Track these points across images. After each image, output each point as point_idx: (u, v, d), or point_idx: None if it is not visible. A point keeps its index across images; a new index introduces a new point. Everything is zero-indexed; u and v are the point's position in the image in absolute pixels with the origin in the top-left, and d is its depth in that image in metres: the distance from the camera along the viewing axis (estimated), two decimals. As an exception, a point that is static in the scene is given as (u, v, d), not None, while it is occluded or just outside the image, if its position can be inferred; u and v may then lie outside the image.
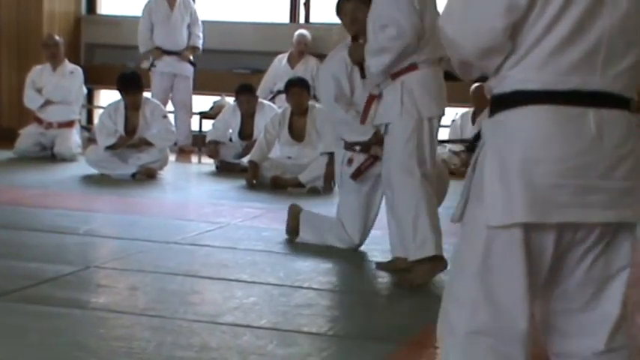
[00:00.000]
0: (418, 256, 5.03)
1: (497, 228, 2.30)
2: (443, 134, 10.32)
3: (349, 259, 5.77)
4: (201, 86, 11.36)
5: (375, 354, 4.01)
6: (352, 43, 5.58)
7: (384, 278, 5.35)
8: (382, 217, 5.63)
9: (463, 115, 10.01)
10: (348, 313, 4.76)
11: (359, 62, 5.50)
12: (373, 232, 6.41)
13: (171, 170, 9.32)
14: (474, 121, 9.84)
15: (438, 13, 5.10)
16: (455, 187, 8.86)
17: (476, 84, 10.00)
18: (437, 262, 5.05)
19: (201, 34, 10.96)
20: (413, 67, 5.09)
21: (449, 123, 10.18)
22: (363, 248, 5.90)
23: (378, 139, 5.45)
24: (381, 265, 5.40)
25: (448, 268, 5.06)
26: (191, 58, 10.91)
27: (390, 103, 5.12)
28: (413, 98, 5.06)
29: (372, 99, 5.31)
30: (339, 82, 5.77)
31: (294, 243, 6.05)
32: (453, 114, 10.29)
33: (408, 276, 5.08)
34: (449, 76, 11.61)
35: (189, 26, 10.95)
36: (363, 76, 5.41)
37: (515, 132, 2.32)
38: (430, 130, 5.14)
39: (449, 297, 2.45)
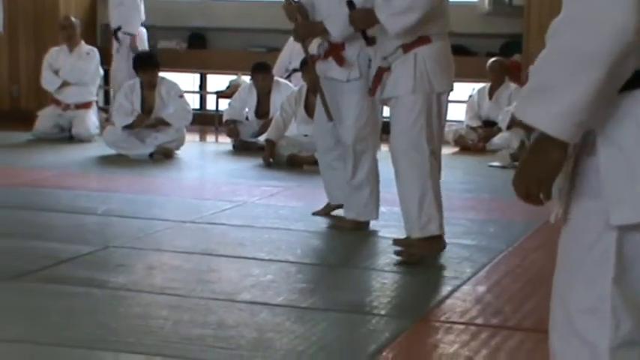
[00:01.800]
0: (422, 235, 5.04)
1: (627, 227, 2.01)
2: (460, 109, 10.34)
3: (364, 235, 5.78)
4: (217, 65, 11.37)
5: (391, 331, 4.03)
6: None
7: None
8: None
9: (480, 91, 9.98)
10: (363, 290, 4.75)
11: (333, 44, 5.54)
12: (391, 209, 6.43)
13: (188, 149, 9.32)
14: (491, 96, 9.82)
15: None
16: (470, 163, 8.89)
17: (492, 59, 9.99)
18: (438, 241, 5.10)
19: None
20: (426, 39, 5.00)
21: (466, 98, 10.16)
22: (379, 224, 5.89)
23: None
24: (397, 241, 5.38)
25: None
26: None
27: (400, 76, 5.01)
28: (425, 72, 4.99)
29: (382, 72, 5.14)
30: None
31: (311, 220, 6.06)
32: (469, 89, 10.27)
33: (409, 250, 5.09)
34: (464, 51, 11.70)
35: None
36: (368, 43, 5.21)
37: None
38: (439, 106, 5.10)
39: (569, 309, 2.11)
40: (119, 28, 10.75)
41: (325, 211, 6.17)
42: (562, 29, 1.93)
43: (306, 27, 5.72)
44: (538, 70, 2.04)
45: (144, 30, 10.94)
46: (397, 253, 5.10)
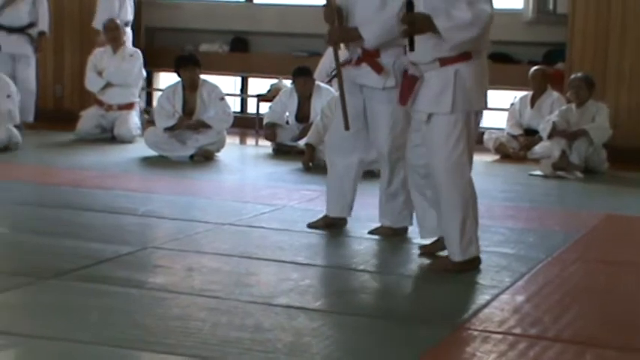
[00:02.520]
0: (463, 258, 5.01)
1: None
2: (501, 117, 10.29)
3: (400, 242, 5.75)
4: (259, 69, 11.40)
5: (427, 339, 4.01)
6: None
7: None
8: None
9: (522, 99, 9.93)
10: (399, 297, 4.75)
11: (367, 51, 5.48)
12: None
13: (228, 152, 9.34)
14: (532, 105, 9.77)
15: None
16: (511, 171, 8.83)
17: (535, 67, 9.94)
18: (475, 261, 5.08)
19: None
20: (467, 55, 4.89)
21: (507, 106, 10.12)
22: (414, 230, 5.87)
23: None
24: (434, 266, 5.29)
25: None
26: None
27: (438, 92, 4.89)
28: (465, 90, 4.89)
29: (414, 80, 4.96)
30: None
31: (349, 226, 6.04)
32: (511, 97, 10.22)
33: (443, 262, 5.10)
34: (507, 58, 11.63)
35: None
36: (412, 49, 4.87)
37: None
38: (476, 124, 5.06)
39: None
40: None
41: (326, 222, 6.01)
42: None
43: (341, 31, 5.65)
44: None
45: (129, 30, 10.93)
46: (430, 268, 5.13)
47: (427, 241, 5.44)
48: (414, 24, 4.73)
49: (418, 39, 4.85)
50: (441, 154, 4.95)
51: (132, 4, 10.96)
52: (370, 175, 8.06)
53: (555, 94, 9.68)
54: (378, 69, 5.55)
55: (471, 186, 5.04)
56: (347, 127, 5.65)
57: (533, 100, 9.77)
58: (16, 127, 9.30)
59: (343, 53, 5.88)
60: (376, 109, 5.67)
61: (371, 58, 5.56)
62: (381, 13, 5.44)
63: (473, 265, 5.09)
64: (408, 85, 4.99)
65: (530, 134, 9.63)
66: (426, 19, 4.73)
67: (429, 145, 5.00)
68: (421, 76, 4.95)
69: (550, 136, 8.96)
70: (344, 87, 5.67)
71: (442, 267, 5.08)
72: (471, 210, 5.01)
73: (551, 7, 10.59)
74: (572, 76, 9.22)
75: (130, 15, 10.95)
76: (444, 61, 4.88)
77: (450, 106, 4.88)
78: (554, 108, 9.36)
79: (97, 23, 10.72)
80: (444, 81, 4.89)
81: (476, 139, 5.12)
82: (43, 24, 10.67)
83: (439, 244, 5.26)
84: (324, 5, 5.65)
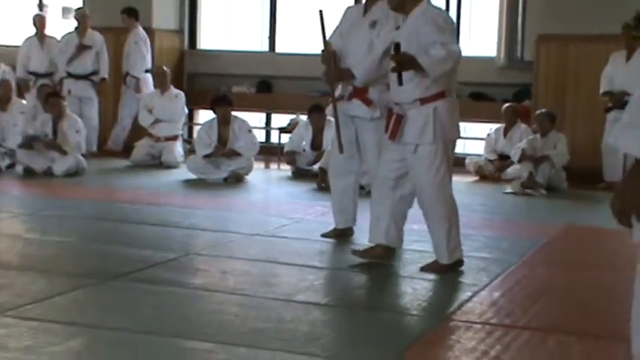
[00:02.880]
0: (450, 261, 5.00)
1: None
2: (479, 145, 10.28)
3: (398, 249, 5.74)
4: (280, 106, 11.43)
5: (420, 328, 4.01)
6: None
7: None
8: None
9: (496, 130, 9.91)
10: (397, 294, 4.73)
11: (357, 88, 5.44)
12: (421, 226, 6.38)
13: (255, 175, 9.35)
14: (505, 135, 9.76)
15: None
16: (487, 189, 8.81)
17: (506, 104, 9.94)
18: (459, 262, 5.06)
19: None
20: (442, 94, 4.89)
21: (484, 136, 10.10)
22: (412, 238, 5.84)
23: None
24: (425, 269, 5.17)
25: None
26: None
27: (421, 126, 4.86)
28: (442, 123, 4.88)
29: (399, 118, 4.92)
30: None
31: (356, 235, 6.01)
32: (487, 129, 10.21)
33: (433, 265, 5.05)
34: (483, 97, 11.62)
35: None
36: (400, 83, 4.76)
37: None
38: (452, 150, 5.06)
39: None
40: (127, 74, 10.82)
41: (336, 233, 5.97)
42: None
43: (336, 72, 5.62)
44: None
45: (149, 75, 10.96)
46: (422, 269, 5.07)
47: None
48: (402, 63, 4.70)
49: (394, 83, 4.85)
50: (427, 177, 4.93)
51: (150, 55, 11.00)
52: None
53: (523, 126, 9.66)
54: (368, 102, 5.55)
55: (452, 201, 5.03)
56: (341, 151, 5.67)
57: (506, 131, 9.76)
58: (83, 155, 9.33)
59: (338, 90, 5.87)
60: (366, 137, 5.66)
61: (361, 93, 5.54)
62: (368, 57, 5.42)
63: (457, 266, 5.08)
64: (396, 123, 4.95)
65: (504, 159, 9.61)
66: (412, 58, 4.70)
67: (417, 170, 4.97)
68: (405, 115, 4.93)
69: (520, 161, 8.95)
70: (339, 118, 5.68)
71: (432, 269, 5.05)
72: (455, 220, 5.01)
73: (519, 55, 10.59)
74: (537, 112, 9.22)
75: (149, 64, 10.98)
76: (423, 101, 4.87)
77: (432, 138, 4.87)
78: (523, 137, 9.35)
79: (130, 68, 10.78)
80: (425, 117, 4.87)
81: (453, 163, 5.09)
82: (104, 72, 10.73)
83: (376, 249, 5.16)
84: (322, 51, 5.64)
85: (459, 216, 5.08)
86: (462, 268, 5.11)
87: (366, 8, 5.55)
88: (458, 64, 4.85)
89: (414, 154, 4.94)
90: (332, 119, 9.34)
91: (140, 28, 10.92)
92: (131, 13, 10.88)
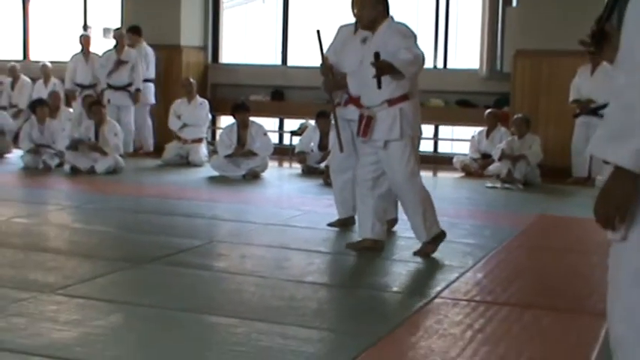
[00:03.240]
0: (429, 237, 5.00)
1: None
2: (465, 146, 10.26)
3: (392, 237, 5.74)
4: (291, 112, 11.42)
5: (413, 305, 4.01)
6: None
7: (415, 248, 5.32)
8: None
9: (480, 132, 9.87)
10: (392, 275, 4.72)
11: (351, 96, 5.35)
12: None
13: (270, 172, 9.35)
14: (487, 137, 9.73)
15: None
16: (472, 184, 8.81)
17: (488, 110, 9.92)
18: (441, 234, 5.06)
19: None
20: (406, 97, 4.88)
21: (469, 138, 10.08)
22: (406, 226, 5.84)
23: None
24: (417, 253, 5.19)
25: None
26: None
27: (390, 125, 4.85)
28: (408, 121, 4.87)
29: (369, 120, 4.90)
30: None
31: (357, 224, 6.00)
32: (472, 131, 10.19)
33: (423, 249, 5.04)
34: (468, 104, 11.59)
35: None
36: (379, 87, 4.71)
37: None
38: (417, 145, 5.08)
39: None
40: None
41: (340, 223, 5.98)
42: (623, 92, 1.85)
43: (334, 82, 5.59)
44: (609, 123, 1.89)
45: (150, 84, 10.89)
46: (415, 253, 5.07)
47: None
48: (383, 68, 4.66)
49: (365, 87, 4.90)
50: (399, 169, 4.91)
51: (153, 66, 10.91)
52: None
53: (503, 129, 9.63)
54: (361, 107, 5.51)
55: (423, 188, 4.99)
56: (341, 150, 5.66)
57: (488, 133, 9.73)
58: (121, 156, 9.35)
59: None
60: (356, 138, 5.62)
61: (356, 100, 5.49)
62: (360, 69, 5.36)
63: (440, 238, 5.05)
64: (367, 124, 4.94)
65: (486, 158, 9.58)
66: (389, 64, 4.66)
67: (389, 164, 4.94)
68: (374, 116, 4.91)
69: (500, 159, 8.93)
70: (338, 122, 5.66)
71: (424, 253, 5.04)
72: (428, 203, 4.98)
73: (499, 67, 10.56)
74: (515, 116, 9.20)
75: (152, 74, 10.92)
76: (390, 102, 4.86)
77: (399, 134, 4.86)
78: (503, 139, 9.32)
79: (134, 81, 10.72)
80: (392, 117, 4.86)
81: (419, 157, 5.05)
82: (138, 83, 10.72)
83: (365, 243, 5.13)
84: (320, 64, 5.62)
85: (433, 199, 5.05)
86: (450, 252, 5.10)
87: (357, 27, 5.51)
88: (423, 63, 4.85)
89: (385, 150, 4.92)
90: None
91: (144, 44, 10.89)
92: (135, 31, 10.87)
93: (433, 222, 5.02)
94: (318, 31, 5.50)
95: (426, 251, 5.04)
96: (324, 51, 5.57)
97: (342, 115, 5.69)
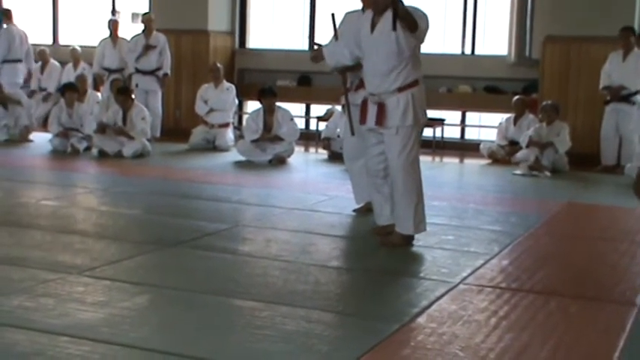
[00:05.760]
0: (415, 232, 4.90)
1: None
2: (492, 132, 10.18)
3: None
4: (318, 98, 11.41)
5: (439, 290, 3.99)
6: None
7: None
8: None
9: (507, 119, 9.79)
10: (419, 261, 4.70)
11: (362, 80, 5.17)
12: (440, 203, 6.36)
13: (296, 157, 9.35)
14: (515, 123, 9.65)
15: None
16: (499, 171, 8.75)
17: (516, 96, 9.83)
18: (412, 238, 4.94)
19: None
20: (416, 82, 4.81)
21: (497, 124, 10.01)
22: (434, 212, 5.82)
23: None
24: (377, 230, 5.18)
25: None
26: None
27: (403, 111, 4.75)
28: (417, 108, 4.80)
29: (383, 107, 4.79)
30: None
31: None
32: (499, 118, 10.11)
33: (391, 241, 4.93)
34: (496, 90, 11.50)
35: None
36: (394, 29, 4.63)
37: None
38: (421, 132, 4.96)
39: None
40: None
41: (366, 208, 5.87)
42: None
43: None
44: None
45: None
46: (381, 242, 4.94)
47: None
48: (400, 11, 4.56)
49: (374, 75, 4.81)
50: (401, 155, 4.81)
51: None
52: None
53: (531, 116, 9.54)
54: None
55: (420, 178, 4.89)
56: (352, 133, 5.57)
57: (515, 120, 9.64)
58: (148, 140, 9.41)
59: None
60: None
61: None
62: (371, 56, 5.16)
63: (410, 240, 4.94)
64: (380, 111, 4.83)
65: (513, 145, 9.50)
66: (407, 9, 4.58)
67: (392, 149, 4.85)
68: (384, 103, 4.82)
69: (527, 146, 8.86)
70: (349, 106, 5.57)
71: (391, 243, 4.92)
72: (421, 196, 4.89)
73: (527, 53, 10.45)
74: (544, 103, 9.11)
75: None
76: (401, 89, 4.78)
77: (412, 120, 4.78)
78: (531, 126, 9.24)
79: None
80: (405, 103, 4.77)
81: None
82: (166, 68, 10.76)
83: (388, 227, 5.07)
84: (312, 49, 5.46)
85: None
86: (476, 238, 5.07)
87: (363, 12, 5.37)
88: (428, 29, 4.72)
89: (396, 135, 4.82)
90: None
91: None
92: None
93: (422, 218, 4.91)
94: (332, 15, 5.46)
95: (393, 242, 4.91)
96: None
97: (353, 100, 5.63)
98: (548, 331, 3.41)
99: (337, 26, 5.48)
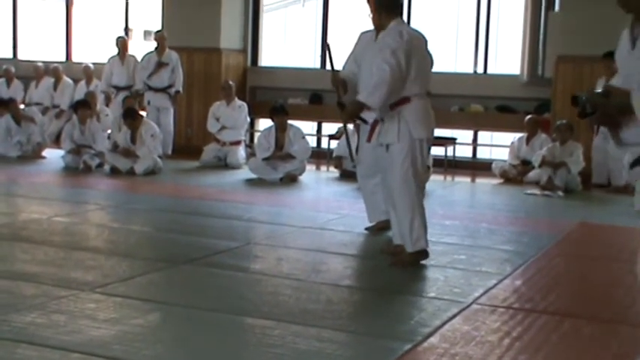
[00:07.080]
0: (413, 249, 4.88)
1: None
2: (504, 152, 10.18)
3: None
4: (330, 116, 11.43)
5: (451, 311, 3.98)
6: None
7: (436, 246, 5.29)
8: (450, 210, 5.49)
9: (519, 138, 9.79)
10: (430, 281, 4.69)
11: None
12: (452, 222, 6.35)
13: (307, 176, 9.36)
14: (527, 143, 9.65)
15: (425, 55, 4.86)
16: (511, 191, 8.73)
17: (529, 116, 9.83)
18: (424, 253, 4.93)
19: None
20: (406, 99, 4.79)
21: (509, 144, 10.00)
22: (444, 232, 5.83)
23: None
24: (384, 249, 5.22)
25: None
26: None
27: (390, 128, 4.81)
28: (407, 124, 4.78)
29: (376, 123, 4.91)
30: None
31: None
32: (512, 137, 10.11)
33: (401, 259, 4.92)
34: (508, 110, 11.49)
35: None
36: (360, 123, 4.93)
37: None
38: (420, 149, 4.85)
39: None
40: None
41: (378, 227, 5.93)
42: None
43: (350, 107, 5.15)
44: None
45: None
46: (392, 263, 4.92)
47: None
48: (351, 115, 4.85)
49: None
50: (394, 172, 4.82)
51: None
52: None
53: (544, 135, 9.54)
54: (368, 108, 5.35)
55: (416, 195, 4.86)
56: (352, 160, 5.59)
57: (528, 140, 9.64)
58: (159, 157, 9.45)
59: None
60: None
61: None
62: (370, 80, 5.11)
63: (423, 256, 4.93)
64: (372, 128, 4.92)
65: (526, 164, 9.49)
66: (355, 108, 4.82)
67: (388, 167, 4.88)
68: (379, 120, 4.87)
69: (540, 166, 8.84)
70: (348, 131, 5.58)
71: (401, 262, 4.90)
72: (418, 214, 4.86)
73: (540, 72, 10.47)
74: (558, 123, 9.09)
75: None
76: (392, 107, 4.79)
77: (396, 137, 4.79)
78: (543, 145, 9.23)
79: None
80: (391, 120, 4.80)
81: (426, 162, 4.96)
82: (179, 85, 10.83)
83: (398, 247, 5.06)
84: (331, 81, 5.32)
85: (426, 217, 4.93)
86: (488, 258, 5.06)
87: (377, 34, 5.43)
88: (396, 77, 4.69)
89: (388, 153, 4.86)
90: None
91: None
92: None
93: (421, 235, 4.88)
94: (327, 45, 5.47)
95: (402, 261, 4.90)
96: (336, 67, 5.44)
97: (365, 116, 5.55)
98: (561, 352, 3.39)
99: (334, 57, 5.40)
